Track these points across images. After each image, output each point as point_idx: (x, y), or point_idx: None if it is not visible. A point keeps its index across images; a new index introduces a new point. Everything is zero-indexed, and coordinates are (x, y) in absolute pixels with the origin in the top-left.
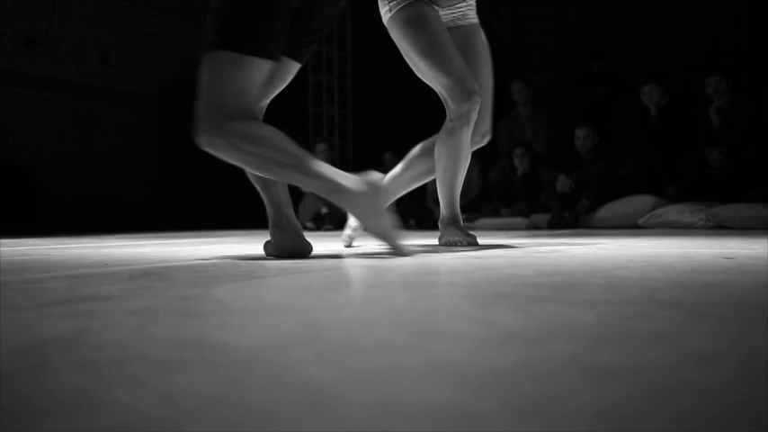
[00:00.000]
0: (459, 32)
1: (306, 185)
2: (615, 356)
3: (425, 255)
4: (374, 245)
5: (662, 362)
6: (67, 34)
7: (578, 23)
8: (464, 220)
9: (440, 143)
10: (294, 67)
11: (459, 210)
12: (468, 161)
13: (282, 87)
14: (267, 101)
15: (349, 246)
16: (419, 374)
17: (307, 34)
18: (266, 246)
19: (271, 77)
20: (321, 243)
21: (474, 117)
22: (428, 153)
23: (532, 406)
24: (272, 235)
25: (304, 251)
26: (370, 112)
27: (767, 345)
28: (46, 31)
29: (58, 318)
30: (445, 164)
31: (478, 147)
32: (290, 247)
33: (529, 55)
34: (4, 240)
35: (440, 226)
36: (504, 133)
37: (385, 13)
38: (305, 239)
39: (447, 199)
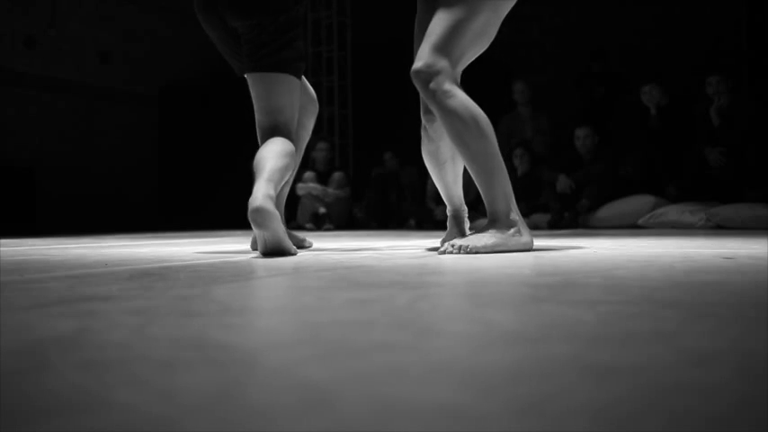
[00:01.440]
0: None
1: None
2: (615, 356)
3: (425, 255)
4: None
5: (662, 362)
6: (67, 34)
7: (578, 23)
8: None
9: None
10: (266, 78)
11: (458, 205)
12: (457, 159)
13: (278, 99)
14: (282, 117)
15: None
16: (419, 374)
17: (245, 46)
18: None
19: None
20: (321, 243)
21: (434, 132)
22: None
23: (532, 406)
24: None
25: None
26: (370, 112)
27: (767, 345)
28: (46, 31)
29: (58, 318)
30: (430, 165)
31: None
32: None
33: (529, 55)
34: (4, 240)
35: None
36: (504, 133)
37: None
38: (281, 241)
39: (444, 196)
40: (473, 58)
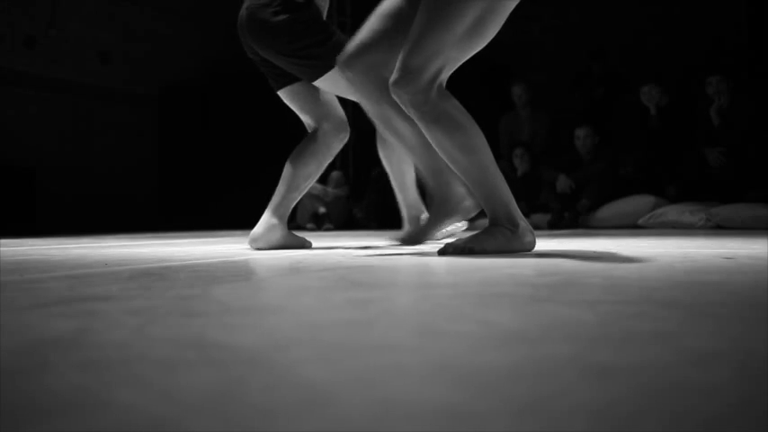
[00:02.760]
0: None
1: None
2: (614, 356)
3: (425, 255)
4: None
5: (661, 362)
6: (67, 34)
7: (578, 23)
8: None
9: None
10: (286, 94)
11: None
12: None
13: (297, 111)
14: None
15: None
16: (419, 374)
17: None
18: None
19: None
20: (321, 243)
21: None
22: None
23: (532, 406)
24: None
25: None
26: None
27: (767, 345)
28: (46, 31)
29: (58, 318)
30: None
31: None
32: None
33: (529, 55)
34: (4, 240)
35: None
36: (503, 133)
37: None
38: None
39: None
40: (464, 60)
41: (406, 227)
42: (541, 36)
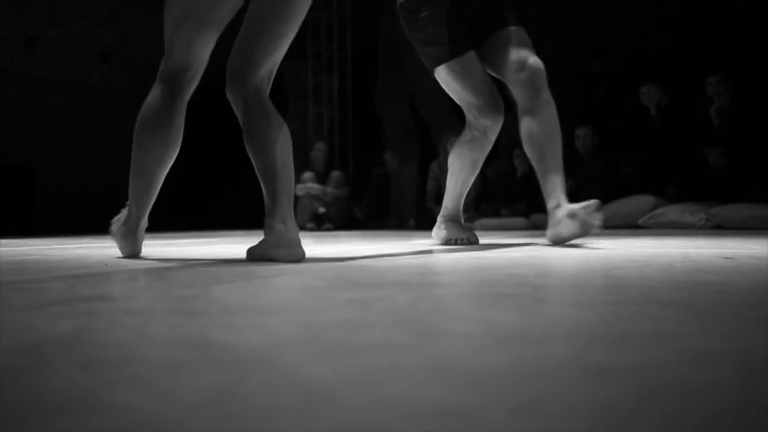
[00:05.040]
0: None
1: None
2: (614, 356)
3: (425, 255)
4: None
5: (660, 361)
6: (67, 34)
7: (578, 23)
8: (464, 221)
9: (461, 150)
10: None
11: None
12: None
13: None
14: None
15: None
16: (419, 374)
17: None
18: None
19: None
20: (321, 243)
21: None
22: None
23: (531, 405)
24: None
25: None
26: (370, 112)
27: (767, 345)
28: (46, 31)
29: (58, 318)
30: (461, 165)
31: None
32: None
33: None
34: (4, 240)
35: (439, 221)
36: (503, 133)
37: None
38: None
39: (456, 194)
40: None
41: (439, 227)
42: (541, 36)
